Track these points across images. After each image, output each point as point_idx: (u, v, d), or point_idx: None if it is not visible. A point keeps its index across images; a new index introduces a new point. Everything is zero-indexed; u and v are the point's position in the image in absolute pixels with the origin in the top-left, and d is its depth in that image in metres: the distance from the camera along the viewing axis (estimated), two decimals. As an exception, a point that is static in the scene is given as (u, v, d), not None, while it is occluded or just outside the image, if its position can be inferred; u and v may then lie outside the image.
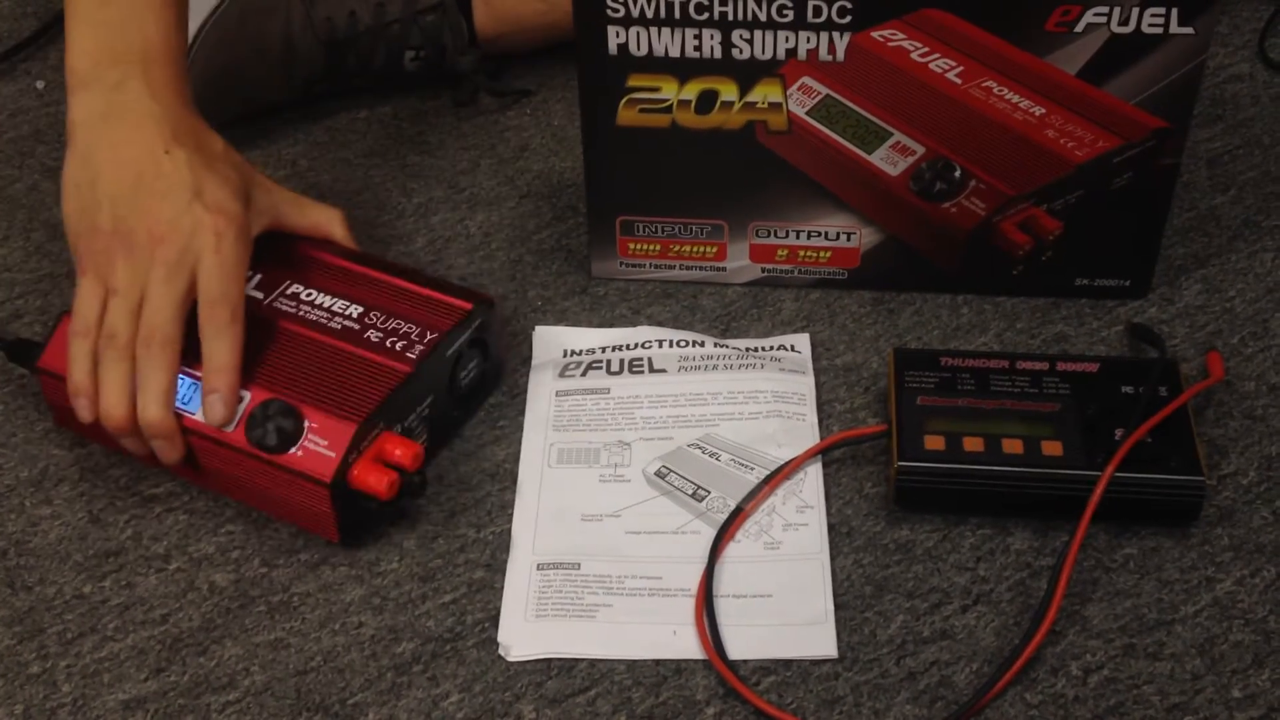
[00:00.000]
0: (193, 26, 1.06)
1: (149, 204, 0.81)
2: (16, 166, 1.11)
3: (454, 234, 1.03)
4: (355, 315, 0.85)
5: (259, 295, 0.86)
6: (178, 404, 0.81)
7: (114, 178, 0.82)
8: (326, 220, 0.90)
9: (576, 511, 0.84)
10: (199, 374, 0.81)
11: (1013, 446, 0.81)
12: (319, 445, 0.79)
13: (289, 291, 0.87)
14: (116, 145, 0.83)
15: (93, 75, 0.84)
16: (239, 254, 0.81)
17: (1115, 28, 0.85)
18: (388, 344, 0.83)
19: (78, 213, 0.82)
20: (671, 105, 0.91)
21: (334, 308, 0.86)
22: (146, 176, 0.81)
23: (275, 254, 0.88)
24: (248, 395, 0.81)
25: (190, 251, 0.80)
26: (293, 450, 0.79)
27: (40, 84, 1.19)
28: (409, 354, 0.83)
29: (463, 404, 0.88)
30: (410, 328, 0.84)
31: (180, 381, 0.81)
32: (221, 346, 0.80)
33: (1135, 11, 0.84)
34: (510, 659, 0.77)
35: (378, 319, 0.85)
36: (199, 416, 0.81)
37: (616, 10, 0.87)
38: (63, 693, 0.76)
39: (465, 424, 0.89)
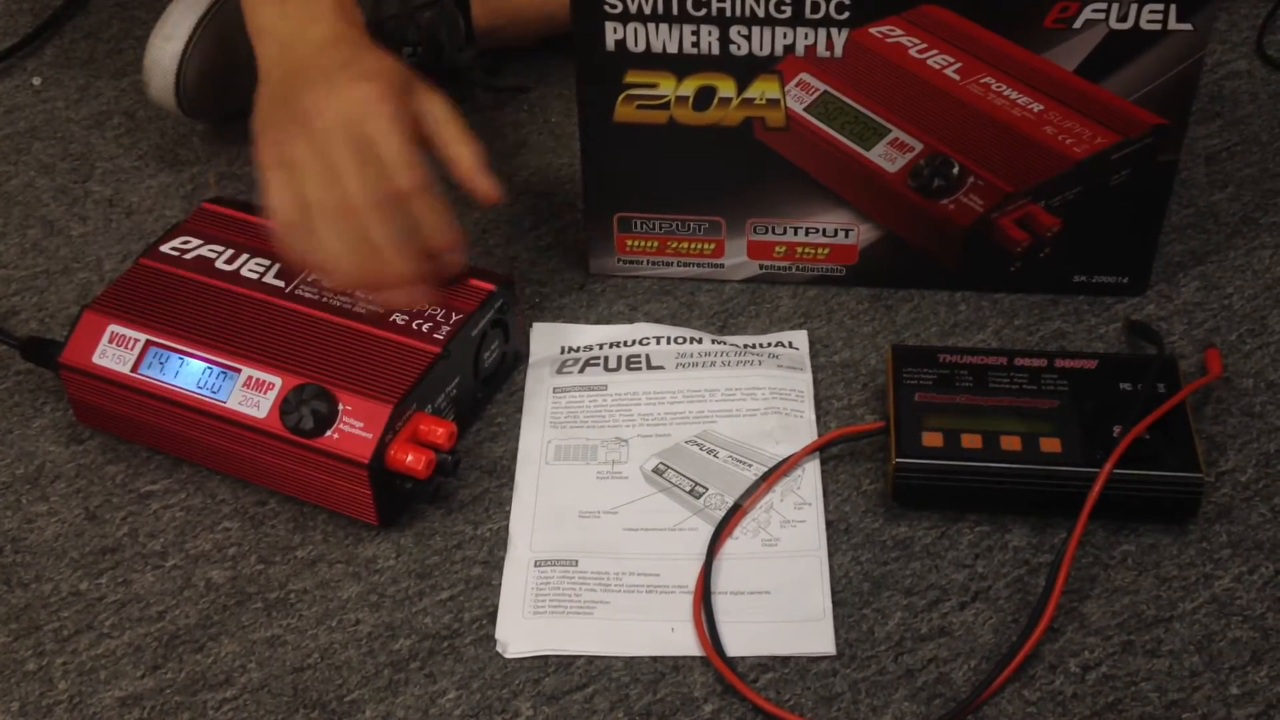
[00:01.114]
0: (190, 22, 1.06)
1: (302, 92, 0.82)
2: (12, 163, 1.11)
3: (451, 230, 1.03)
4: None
5: (280, 284, 0.87)
6: (208, 394, 0.82)
7: (276, 90, 0.84)
8: (465, 153, 0.85)
9: (574, 508, 0.84)
10: (228, 362, 0.82)
11: (1011, 443, 0.81)
12: (355, 427, 0.79)
13: (309, 279, 0.87)
14: (284, 61, 0.85)
15: (260, 10, 0.87)
16: (399, 115, 0.81)
17: (1114, 24, 0.85)
18: (414, 325, 0.84)
19: (256, 126, 0.84)
20: (669, 101, 0.90)
21: (357, 291, 0.86)
22: (306, 74, 0.83)
23: None
24: (279, 381, 0.81)
25: (348, 117, 0.80)
26: (329, 433, 0.79)
27: (36, 81, 1.19)
28: (436, 335, 0.83)
29: (485, 386, 0.89)
30: (435, 309, 0.85)
31: (207, 370, 0.82)
32: (432, 211, 0.81)
33: (1134, 8, 0.84)
34: (508, 656, 0.77)
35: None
36: (230, 404, 0.82)
37: (614, 6, 0.87)
38: (59, 690, 0.76)
39: (487, 405, 0.90)
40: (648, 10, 0.87)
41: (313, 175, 0.80)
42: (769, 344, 0.93)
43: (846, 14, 0.86)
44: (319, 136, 0.80)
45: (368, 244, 0.80)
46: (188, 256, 0.90)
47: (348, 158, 0.80)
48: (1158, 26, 0.85)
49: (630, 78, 0.90)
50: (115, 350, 0.85)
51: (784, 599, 0.79)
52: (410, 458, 0.80)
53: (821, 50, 0.88)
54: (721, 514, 0.82)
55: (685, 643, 0.77)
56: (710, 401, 0.89)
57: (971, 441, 0.81)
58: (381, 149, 0.80)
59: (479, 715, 0.74)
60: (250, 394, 0.82)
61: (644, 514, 0.83)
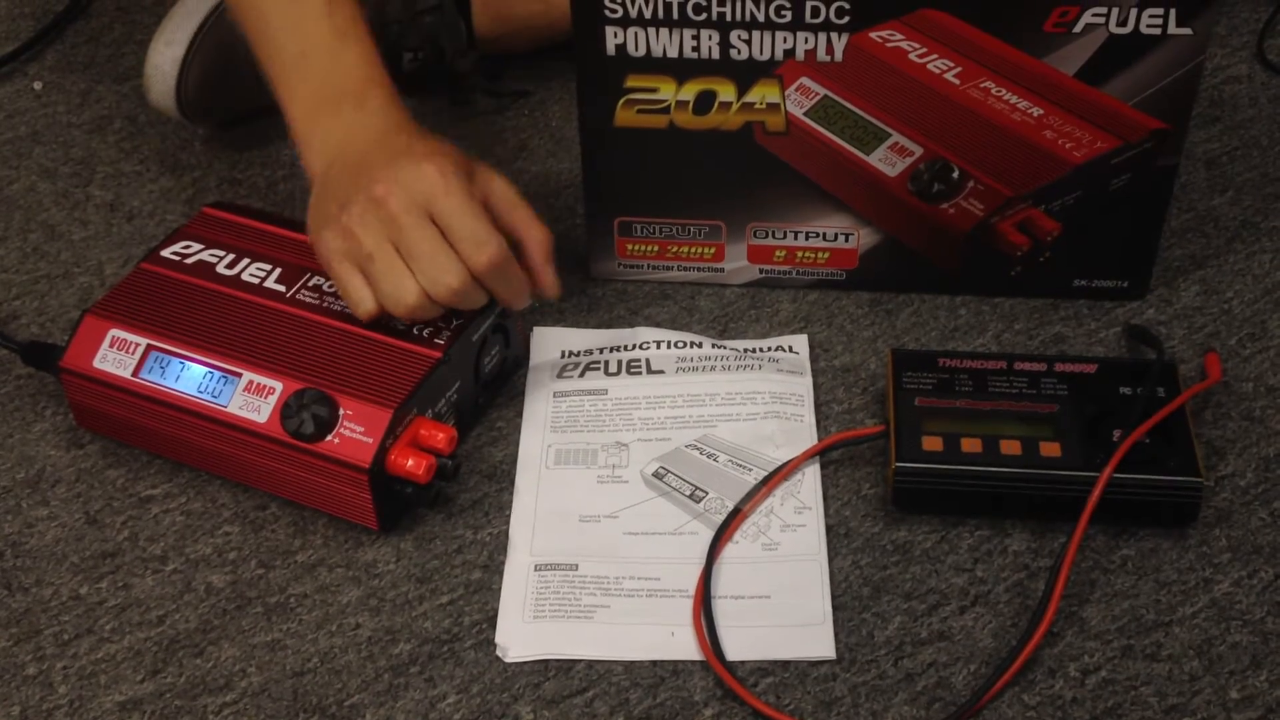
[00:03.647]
0: (191, 27, 1.06)
1: (365, 179, 0.81)
2: (14, 167, 1.11)
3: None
4: None
5: (281, 289, 0.87)
6: (209, 398, 0.82)
7: (335, 184, 0.84)
8: (535, 240, 0.87)
9: (574, 512, 0.84)
10: (229, 366, 0.82)
11: (1011, 447, 0.81)
12: (355, 432, 0.79)
13: (310, 284, 0.87)
14: (343, 156, 0.84)
15: (312, 120, 0.86)
16: (470, 191, 0.82)
17: (1113, 28, 0.85)
18: (414, 330, 0.84)
19: (313, 228, 0.84)
20: (669, 106, 0.91)
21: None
22: (360, 165, 0.83)
23: (294, 247, 0.90)
24: (280, 386, 0.81)
25: (419, 196, 0.80)
26: (329, 438, 0.80)
27: (38, 85, 1.19)
28: (437, 340, 0.84)
29: (486, 390, 0.89)
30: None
31: (208, 375, 0.83)
32: (513, 282, 0.84)
33: (1133, 12, 0.84)
34: (508, 660, 0.77)
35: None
36: (231, 409, 0.82)
37: (614, 11, 0.87)
38: (59, 694, 0.76)
39: (487, 410, 0.90)
40: (648, 15, 0.87)
41: (384, 255, 0.81)
42: (769, 348, 0.93)
43: (846, 18, 0.86)
44: (390, 222, 0.80)
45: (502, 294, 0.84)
46: (189, 261, 0.90)
47: (433, 242, 0.80)
48: (1158, 31, 0.85)
49: (631, 82, 0.90)
50: (116, 355, 0.85)
51: (784, 603, 0.79)
52: (411, 462, 0.80)
53: (822, 54, 0.88)
54: (721, 518, 0.82)
55: (685, 647, 0.77)
56: (710, 406, 0.89)
57: (971, 446, 0.81)
58: (455, 225, 0.81)
59: (479, 719, 0.74)
60: (251, 398, 0.82)
61: (644, 518, 0.83)
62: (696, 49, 0.88)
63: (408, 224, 0.80)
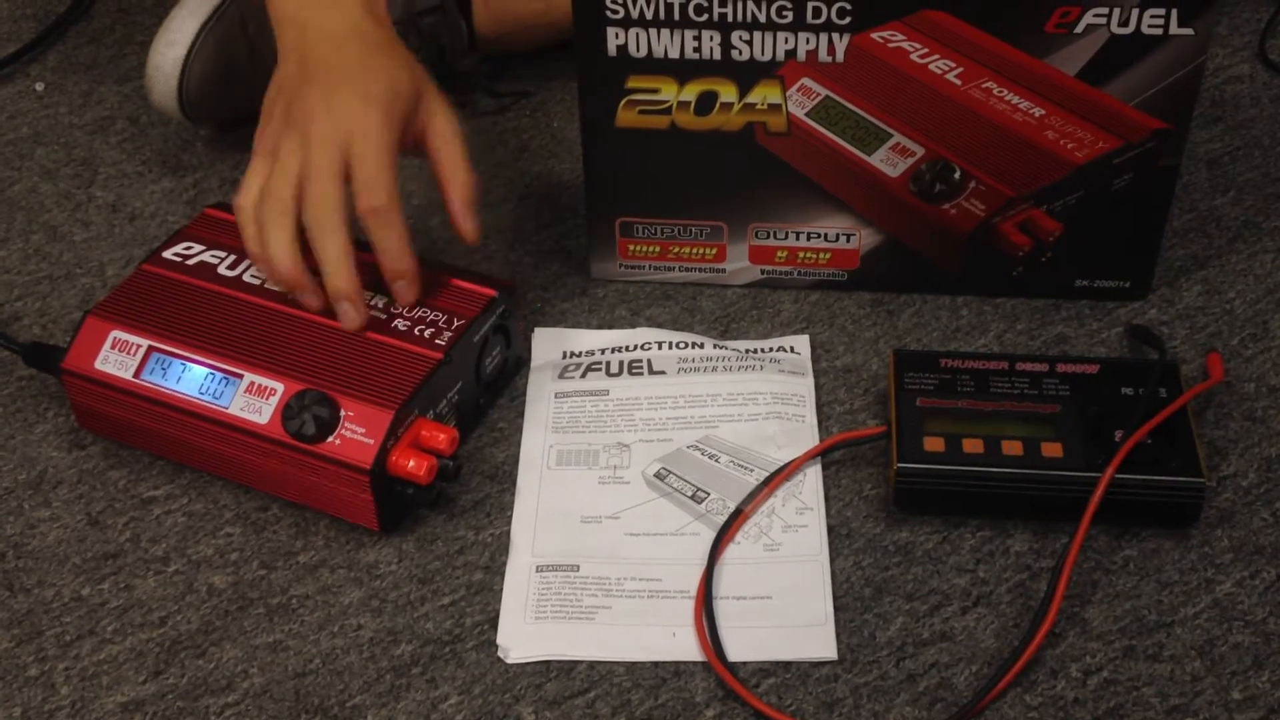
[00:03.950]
0: (193, 28, 1.06)
1: (310, 93, 0.84)
2: (15, 168, 1.11)
3: (453, 236, 1.03)
4: (381, 305, 0.86)
5: None
6: (210, 399, 0.82)
7: (292, 76, 0.86)
8: (456, 185, 0.88)
9: (576, 513, 0.84)
10: (230, 368, 0.82)
11: (1013, 448, 0.81)
12: (357, 433, 0.79)
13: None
14: (301, 50, 0.87)
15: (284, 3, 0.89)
16: (387, 140, 0.83)
17: (1115, 29, 0.85)
18: (416, 331, 0.84)
19: (263, 109, 0.87)
20: (671, 106, 0.91)
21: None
22: (316, 71, 0.85)
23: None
24: (281, 387, 0.81)
25: (341, 130, 0.83)
26: (330, 439, 0.80)
27: (39, 86, 1.19)
28: (438, 340, 0.84)
29: (487, 391, 0.89)
30: (437, 315, 0.85)
31: (209, 376, 0.82)
32: (389, 235, 0.84)
33: (1135, 12, 0.84)
34: (509, 661, 0.77)
35: (403, 308, 0.86)
36: (232, 410, 0.82)
37: (616, 11, 0.87)
38: (61, 695, 0.76)
39: (489, 411, 0.90)
40: (649, 15, 0.87)
41: (286, 172, 0.83)
42: (771, 349, 0.93)
43: (848, 19, 0.86)
44: (308, 141, 0.83)
45: (308, 251, 0.83)
46: (190, 262, 0.90)
47: (325, 167, 0.82)
48: (1159, 31, 0.85)
49: (632, 83, 0.90)
50: (118, 356, 0.85)
51: (785, 604, 0.79)
52: (412, 463, 0.80)
53: (823, 55, 0.88)
54: (723, 519, 0.82)
55: (687, 648, 0.77)
56: (712, 406, 0.89)
57: (973, 446, 0.81)
58: (358, 168, 0.83)
59: (480, 720, 0.74)
60: (252, 400, 0.82)
61: (645, 519, 0.83)
62: (698, 50, 0.88)
63: (316, 157, 0.83)
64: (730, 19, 0.86)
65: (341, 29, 0.87)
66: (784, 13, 0.86)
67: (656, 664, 0.76)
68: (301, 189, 0.83)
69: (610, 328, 0.96)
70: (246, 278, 0.88)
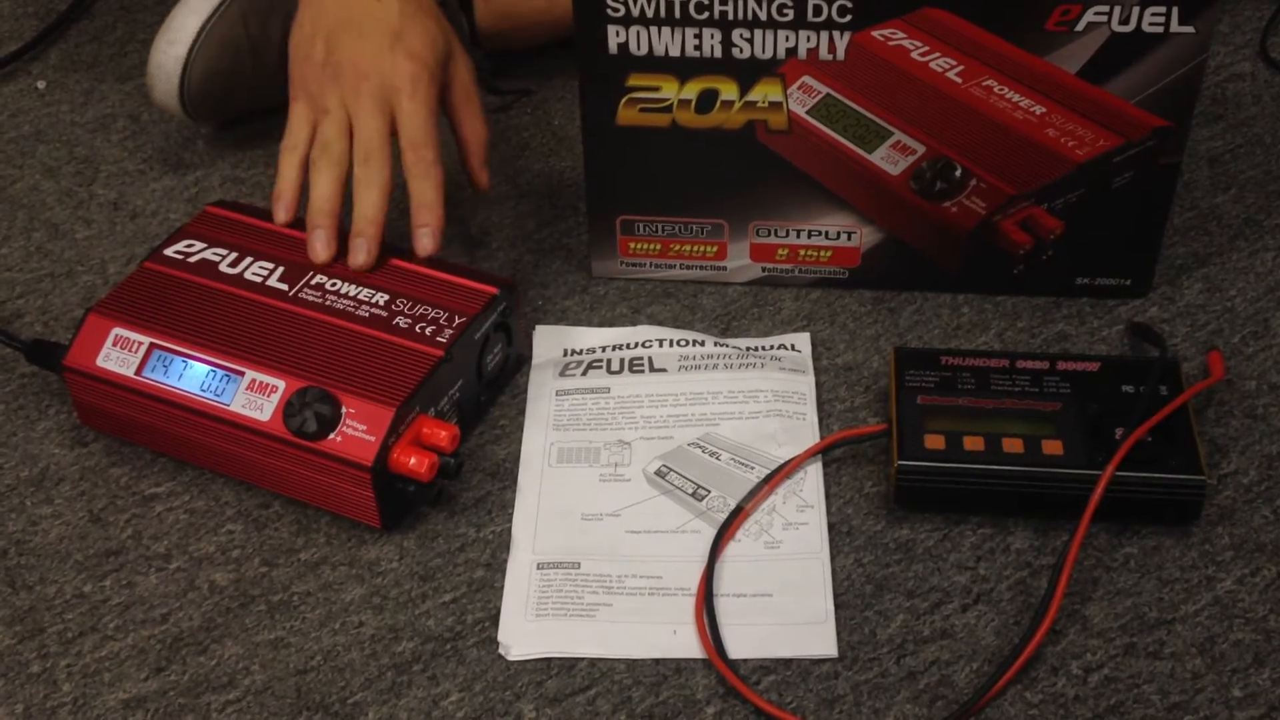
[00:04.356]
0: (193, 27, 1.06)
1: (355, 43, 0.89)
2: (17, 166, 1.11)
3: (454, 233, 1.03)
4: (382, 303, 0.86)
5: (284, 286, 0.87)
6: (211, 396, 0.82)
7: (330, 15, 0.91)
8: (475, 143, 0.94)
9: (577, 511, 0.84)
10: (231, 365, 0.83)
11: (1013, 446, 0.81)
12: (358, 430, 0.80)
13: (313, 282, 0.87)
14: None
15: None
16: (432, 99, 0.89)
17: (1116, 27, 0.85)
18: (417, 329, 0.84)
19: (296, 46, 0.92)
20: (672, 104, 0.91)
21: (360, 296, 0.87)
22: (357, 17, 0.90)
23: (297, 245, 0.90)
24: (282, 384, 0.81)
25: (390, 89, 0.88)
26: (332, 436, 0.80)
27: (41, 84, 1.19)
28: (439, 338, 0.84)
29: (489, 389, 0.90)
30: (438, 313, 0.85)
31: (211, 373, 0.83)
32: (428, 185, 0.88)
33: (1136, 10, 0.84)
34: (510, 658, 0.77)
35: (404, 305, 0.86)
36: (234, 407, 0.82)
37: (616, 9, 0.87)
38: (63, 692, 0.76)
39: (490, 408, 0.90)
40: (650, 13, 0.87)
41: (335, 120, 0.88)
42: (771, 346, 0.93)
43: (849, 17, 0.86)
44: (358, 95, 0.88)
45: (347, 192, 0.88)
46: (192, 260, 0.90)
47: (373, 119, 0.88)
48: (1160, 29, 0.85)
49: (633, 81, 0.90)
50: (119, 353, 0.85)
51: (786, 601, 0.79)
52: (413, 460, 0.80)
53: (824, 53, 0.88)
54: (724, 516, 0.82)
55: (687, 645, 0.77)
56: (713, 404, 0.89)
57: (974, 444, 0.81)
58: (406, 123, 0.88)
59: (481, 717, 0.74)
60: (254, 397, 0.82)
61: (646, 516, 0.83)
62: (699, 48, 0.88)
63: (366, 110, 0.88)
64: (731, 17, 0.86)
65: None
66: (785, 11, 0.86)
67: (657, 661, 0.76)
68: (352, 140, 0.88)
69: (611, 325, 0.96)
70: (248, 275, 0.88)
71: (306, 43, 0.91)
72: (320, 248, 0.88)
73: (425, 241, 0.89)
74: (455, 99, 0.93)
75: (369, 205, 0.88)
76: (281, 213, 0.91)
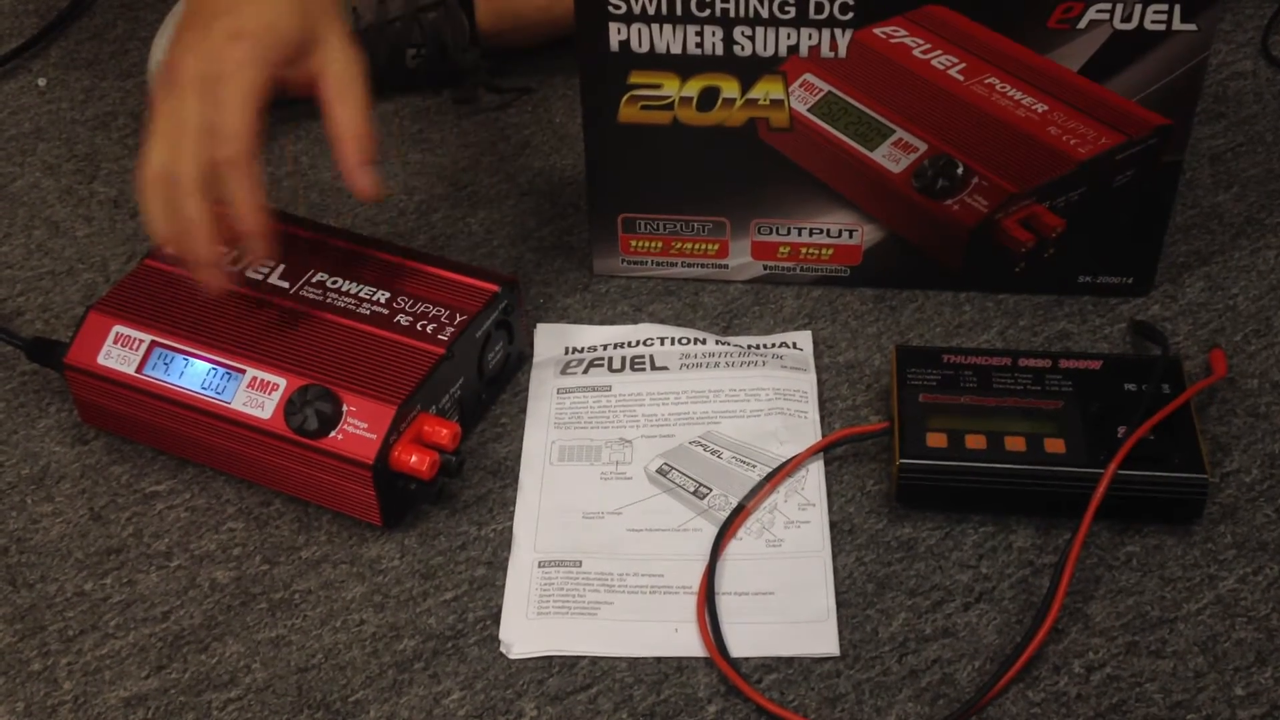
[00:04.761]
0: (194, 24, 1.05)
1: (189, 36, 0.79)
2: (17, 164, 1.11)
3: (455, 231, 1.03)
4: (383, 300, 0.86)
5: (284, 285, 0.87)
6: (212, 394, 0.82)
7: (182, 14, 0.82)
8: (349, 138, 0.81)
9: (578, 509, 0.84)
10: (232, 363, 0.83)
11: (1015, 444, 0.81)
12: (359, 428, 0.79)
13: (314, 280, 0.87)
14: None
15: None
16: (254, 81, 0.77)
17: (1118, 24, 0.85)
18: (418, 327, 0.84)
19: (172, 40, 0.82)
20: (673, 102, 0.90)
21: (361, 294, 0.87)
22: (203, 7, 0.80)
23: (298, 244, 0.90)
24: (283, 382, 0.81)
25: (205, 75, 0.77)
26: (333, 434, 0.80)
27: (41, 81, 1.19)
28: (440, 336, 0.84)
29: (490, 387, 0.89)
30: (439, 310, 0.85)
31: (212, 371, 0.83)
32: (237, 187, 0.77)
33: (1138, 8, 0.84)
34: (512, 656, 0.77)
35: (405, 303, 0.86)
36: (235, 405, 0.82)
37: (618, 7, 0.87)
38: (64, 690, 0.76)
39: (491, 406, 0.90)
40: (651, 11, 0.87)
41: (161, 136, 0.78)
42: (773, 345, 0.93)
43: (850, 14, 0.86)
44: (177, 93, 0.78)
45: (181, 215, 0.78)
46: (192, 257, 0.90)
47: (191, 122, 0.77)
48: (1162, 27, 0.85)
49: (634, 78, 0.90)
50: (120, 351, 0.85)
51: (788, 600, 0.79)
52: (414, 458, 0.80)
53: (825, 51, 0.88)
54: (725, 515, 0.82)
55: (689, 643, 0.77)
56: (714, 402, 0.89)
57: (976, 442, 0.81)
58: (217, 113, 0.77)
59: (483, 716, 0.74)
60: (255, 395, 0.82)
61: (648, 515, 0.83)
62: (700, 45, 0.88)
63: (181, 110, 0.78)
64: (732, 14, 0.86)
65: None
66: (786, 8, 0.86)
67: (659, 659, 0.76)
68: (171, 150, 0.78)
69: (612, 323, 0.96)
70: (248, 273, 0.88)
71: (164, 63, 0.82)
72: (212, 281, 0.81)
73: (253, 251, 0.79)
74: (325, 90, 0.80)
75: (246, 215, 0.78)
76: (166, 248, 0.81)
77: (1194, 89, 0.87)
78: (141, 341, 0.85)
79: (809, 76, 0.89)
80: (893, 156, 0.91)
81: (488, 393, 0.90)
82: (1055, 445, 0.81)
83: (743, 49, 0.88)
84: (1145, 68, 0.86)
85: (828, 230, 0.95)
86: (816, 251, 0.96)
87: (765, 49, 0.88)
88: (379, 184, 0.82)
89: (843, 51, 0.88)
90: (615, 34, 0.88)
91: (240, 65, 0.77)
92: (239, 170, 0.77)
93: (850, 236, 0.95)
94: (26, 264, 1.02)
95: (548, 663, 0.76)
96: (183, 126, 0.77)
